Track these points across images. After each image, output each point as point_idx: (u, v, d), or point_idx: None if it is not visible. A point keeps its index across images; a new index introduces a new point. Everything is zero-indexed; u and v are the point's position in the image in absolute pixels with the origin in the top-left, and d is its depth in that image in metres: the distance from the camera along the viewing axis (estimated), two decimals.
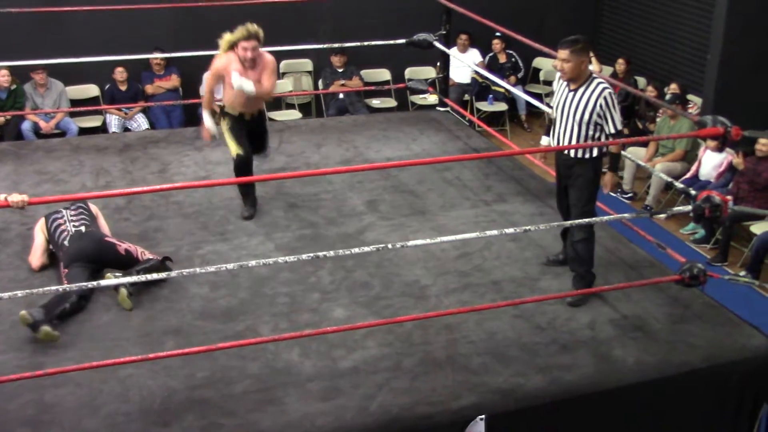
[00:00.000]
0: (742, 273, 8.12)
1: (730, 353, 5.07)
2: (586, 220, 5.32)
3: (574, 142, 5.49)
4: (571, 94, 5.44)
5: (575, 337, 5.15)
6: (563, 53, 5.37)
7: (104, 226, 6.03)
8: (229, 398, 4.58)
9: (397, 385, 4.70)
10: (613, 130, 5.38)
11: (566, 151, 5.53)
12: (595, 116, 5.36)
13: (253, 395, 4.60)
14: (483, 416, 4.48)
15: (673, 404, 4.93)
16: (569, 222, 5.58)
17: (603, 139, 5.44)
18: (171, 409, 4.48)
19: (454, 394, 4.61)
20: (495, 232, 5.29)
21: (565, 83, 5.49)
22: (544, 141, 5.94)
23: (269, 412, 4.47)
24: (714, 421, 5.08)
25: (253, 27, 6.22)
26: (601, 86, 5.36)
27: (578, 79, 5.41)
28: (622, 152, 6.24)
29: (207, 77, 6.66)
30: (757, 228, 8.40)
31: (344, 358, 4.91)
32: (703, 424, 5.06)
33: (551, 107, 5.81)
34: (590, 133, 5.43)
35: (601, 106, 5.33)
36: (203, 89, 6.80)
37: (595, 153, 5.46)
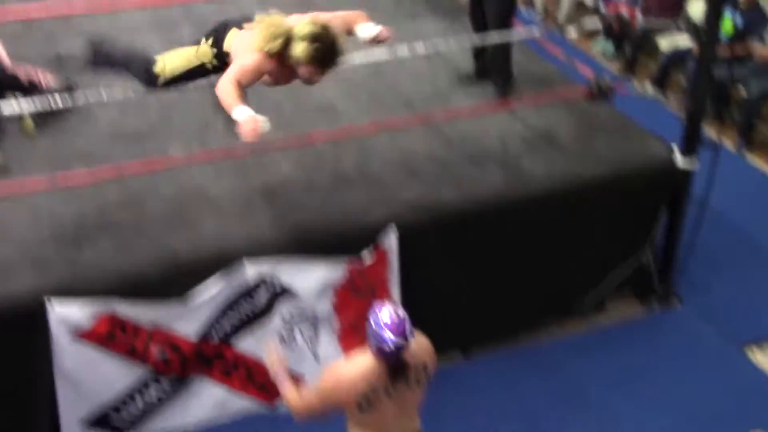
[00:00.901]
0: (649, 87, 8.25)
1: (634, 163, 5.22)
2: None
3: None
4: None
5: (486, 151, 5.23)
6: None
7: (2, 53, 5.80)
8: (143, 220, 4.57)
9: (310, 202, 4.74)
10: None
11: None
12: None
13: (166, 216, 4.60)
14: (395, 229, 4.57)
15: (580, 212, 5.09)
16: (480, 40, 5.58)
17: None
18: (84, 232, 4.46)
19: (367, 209, 4.68)
20: (406, 49, 5.26)
21: None
22: None
23: (183, 232, 4.49)
24: (618, 226, 5.28)
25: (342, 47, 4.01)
26: None
27: None
28: None
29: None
30: (665, 42, 8.48)
31: (257, 178, 4.92)
32: (608, 230, 5.25)
33: None
34: None
35: None
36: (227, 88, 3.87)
37: None
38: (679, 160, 5.20)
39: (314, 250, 4.48)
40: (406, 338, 3.20)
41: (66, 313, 4.06)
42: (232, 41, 4.09)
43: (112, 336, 4.16)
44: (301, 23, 3.90)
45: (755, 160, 7.28)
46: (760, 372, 5.09)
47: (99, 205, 4.66)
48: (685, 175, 5.24)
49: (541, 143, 5.33)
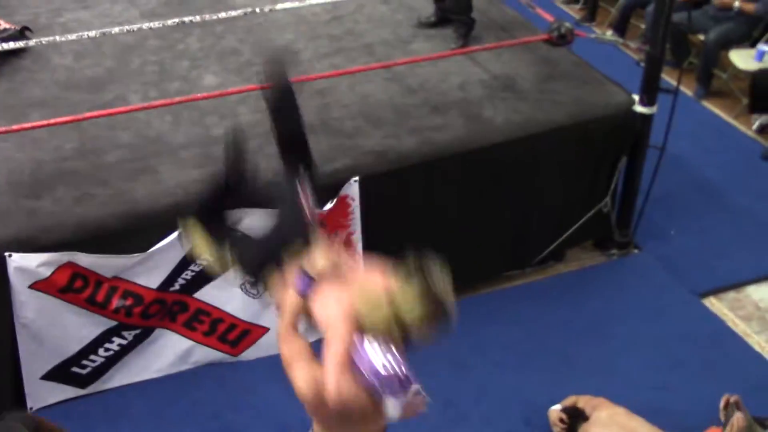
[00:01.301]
0: (609, 32, 8.27)
1: (594, 110, 5.22)
2: None
3: None
4: None
5: (446, 98, 5.20)
6: None
7: None
8: (101, 168, 4.52)
9: (270, 150, 4.63)
10: None
11: None
12: None
13: (125, 165, 4.54)
14: (356, 178, 4.56)
15: (539, 160, 5.10)
16: None
17: None
18: (42, 181, 4.41)
19: (328, 158, 4.64)
20: None
21: None
22: None
23: (142, 180, 4.44)
24: (577, 175, 5.30)
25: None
26: None
27: None
28: None
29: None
30: None
31: (217, 125, 4.86)
32: (567, 178, 5.27)
33: None
34: None
35: None
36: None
37: None
38: (638, 106, 5.22)
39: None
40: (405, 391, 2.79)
41: (25, 265, 4.01)
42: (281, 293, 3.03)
43: (72, 287, 4.12)
44: (404, 298, 2.94)
45: (713, 107, 7.34)
46: (718, 319, 5.17)
47: (57, 153, 4.59)
48: (644, 122, 5.27)
49: (501, 90, 5.31)
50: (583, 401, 4.26)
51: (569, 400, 4.32)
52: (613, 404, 4.16)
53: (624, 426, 4.04)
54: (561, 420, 4.27)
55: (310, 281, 2.94)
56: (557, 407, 4.33)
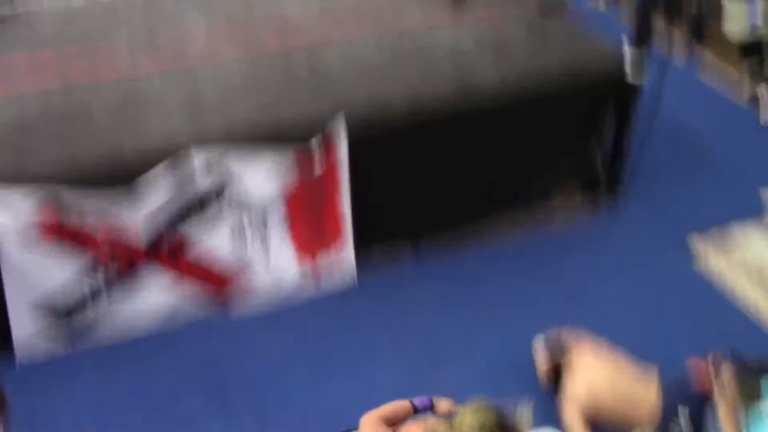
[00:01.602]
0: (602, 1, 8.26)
1: (585, 58, 5.21)
2: None
3: None
4: None
5: (438, 62, 5.16)
6: None
7: None
8: (89, 116, 4.53)
9: (262, 100, 4.72)
10: None
11: None
12: None
13: (114, 119, 4.54)
14: (345, 138, 4.58)
15: (530, 118, 5.09)
16: None
17: None
18: (30, 131, 4.43)
19: (318, 119, 4.62)
20: None
21: None
22: None
23: (130, 130, 4.45)
24: (568, 137, 5.32)
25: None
26: None
27: None
28: None
29: None
30: None
31: (207, 84, 4.87)
32: (558, 141, 5.29)
33: None
34: None
35: None
36: None
37: None
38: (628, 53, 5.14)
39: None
40: None
41: (10, 202, 4.05)
42: None
43: (57, 224, 4.15)
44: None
45: (706, 62, 7.33)
46: (705, 269, 5.19)
47: (44, 106, 4.60)
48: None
49: (492, 54, 5.25)
50: (566, 334, 4.27)
51: (553, 332, 4.31)
52: (593, 339, 4.17)
53: (606, 362, 4.03)
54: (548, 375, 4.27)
55: (430, 406, 3.31)
56: (541, 340, 4.32)
